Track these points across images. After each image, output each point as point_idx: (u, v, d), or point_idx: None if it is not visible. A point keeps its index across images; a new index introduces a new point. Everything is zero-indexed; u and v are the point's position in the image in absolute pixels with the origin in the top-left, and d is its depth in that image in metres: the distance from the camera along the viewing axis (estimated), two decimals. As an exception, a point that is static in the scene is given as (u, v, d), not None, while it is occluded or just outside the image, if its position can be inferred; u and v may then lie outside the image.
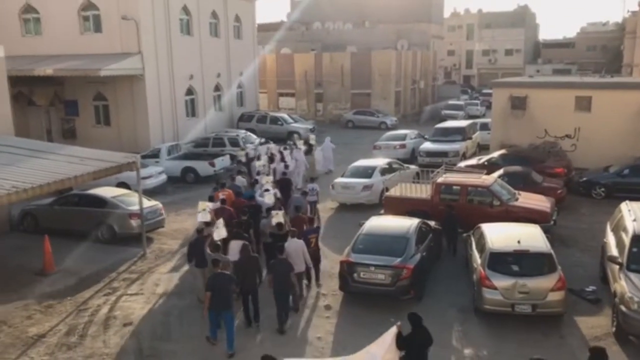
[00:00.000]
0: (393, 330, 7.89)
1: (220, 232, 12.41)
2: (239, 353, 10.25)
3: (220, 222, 12.80)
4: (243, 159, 22.69)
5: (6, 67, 18.35)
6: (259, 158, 21.80)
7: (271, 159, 21.66)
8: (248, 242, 12.22)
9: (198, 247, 12.22)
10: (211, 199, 15.55)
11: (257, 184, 17.70)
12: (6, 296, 12.83)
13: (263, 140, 28.33)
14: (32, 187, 12.38)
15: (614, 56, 62.99)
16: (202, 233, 12.59)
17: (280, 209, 14.29)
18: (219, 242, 12.15)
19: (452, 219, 14.92)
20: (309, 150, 24.13)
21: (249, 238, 13.06)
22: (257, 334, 11.10)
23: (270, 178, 17.47)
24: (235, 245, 12.01)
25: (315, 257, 13.04)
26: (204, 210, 13.60)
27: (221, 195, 15.66)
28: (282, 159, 21.44)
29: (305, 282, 12.93)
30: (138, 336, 11.16)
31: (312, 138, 26.36)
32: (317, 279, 13.30)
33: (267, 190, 16.00)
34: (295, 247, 11.83)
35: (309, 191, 17.31)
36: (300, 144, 24.30)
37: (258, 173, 19.28)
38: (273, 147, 23.73)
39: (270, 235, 13.48)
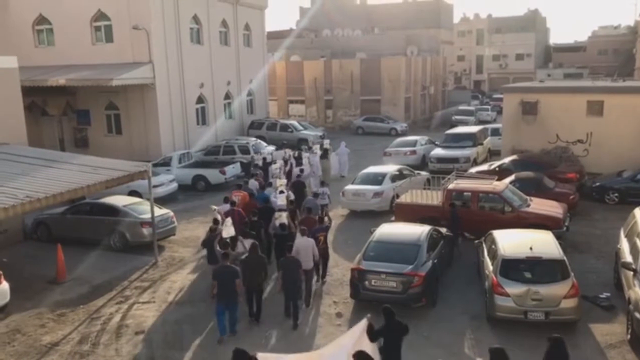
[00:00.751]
0: (363, 322, 8.21)
1: (228, 230, 13.00)
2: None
3: (229, 220, 13.35)
4: (260, 163, 23.17)
5: (20, 78, 18.59)
6: (275, 162, 22.25)
7: (287, 162, 22.33)
8: (256, 244, 12.32)
9: (209, 245, 13.30)
10: (226, 200, 15.99)
11: (272, 187, 18.13)
12: (20, 305, 12.93)
13: (280, 145, 28.60)
14: (45, 197, 12.52)
15: (626, 60, 62.57)
16: (215, 232, 13.36)
17: (294, 211, 15.13)
18: (228, 240, 12.70)
19: (456, 218, 14.97)
20: (325, 155, 24.44)
21: (259, 237, 13.71)
22: (266, 339, 11.10)
23: (284, 181, 17.88)
24: (245, 243, 12.58)
25: (324, 255, 13.56)
26: (214, 211, 14.81)
27: (234, 197, 16.25)
28: (299, 163, 22.29)
29: (315, 279, 13.28)
30: (150, 344, 11.20)
31: (327, 143, 26.63)
32: (324, 274, 13.82)
33: (281, 192, 16.53)
34: (304, 245, 12.22)
35: (319, 194, 17.79)
36: (316, 148, 24.65)
37: (273, 176, 19.88)
38: (289, 152, 24.29)
39: (274, 235, 14.25)
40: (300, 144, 30.98)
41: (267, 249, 14.53)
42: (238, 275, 11.01)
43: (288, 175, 20.69)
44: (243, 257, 12.01)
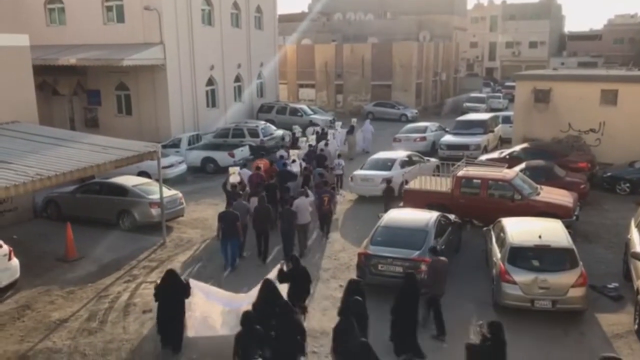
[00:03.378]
0: (276, 267, 10.45)
1: (235, 177, 17.13)
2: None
3: (236, 169, 17.90)
4: (289, 138, 26.70)
5: (31, 56, 18.60)
6: (303, 136, 26.15)
7: (319, 138, 25.45)
8: (263, 197, 14.89)
9: (232, 198, 15.71)
10: (244, 165, 19.94)
11: (287, 157, 20.99)
12: (30, 281, 13.08)
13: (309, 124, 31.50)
14: (55, 175, 12.55)
15: (642, 49, 61.56)
16: (236, 188, 16.42)
17: (307, 176, 17.72)
18: (239, 190, 16.27)
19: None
20: (351, 131, 27.17)
21: (274, 195, 16.27)
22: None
23: (297, 152, 21.30)
24: (254, 200, 15.03)
25: (327, 213, 15.64)
26: (234, 173, 17.50)
27: (259, 164, 19.43)
28: (323, 138, 25.05)
29: (323, 236, 15.72)
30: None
31: (354, 121, 29.25)
32: (328, 231, 15.83)
33: (293, 161, 19.95)
34: (301, 203, 14.54)
35: (335, 166, 20.30)
36: (339, 125, 28.48)
37: (299, 148, 22.96)
38: (318, 128, 28.14)
39: (282, 195, 16.77)
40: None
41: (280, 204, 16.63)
42: (238, 218, 13.61)
43: (315, 149, 23.16)
44: (253, 208, 14.56)
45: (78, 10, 27.92)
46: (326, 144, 23.46)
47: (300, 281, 10.34)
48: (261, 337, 8.31)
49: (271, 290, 9.56)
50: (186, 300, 9.84)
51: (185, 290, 9.80)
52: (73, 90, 28.95)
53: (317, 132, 26.95)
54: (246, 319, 8.33)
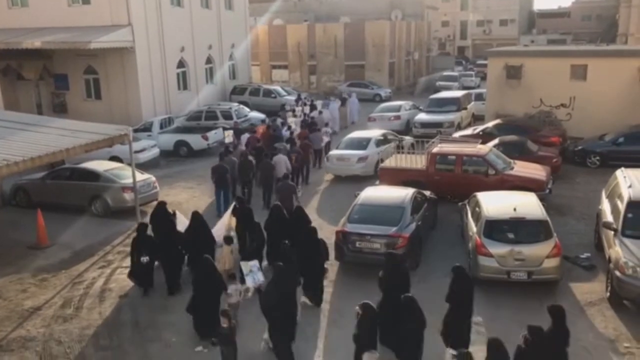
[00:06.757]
0: (232, 205, 13.15)
1: (229, 138, 20.95)
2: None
3: (230, 132, 21.94)
4: (288, 107, 29.49)
5: (-7, 40, 17.99)
6: (298, 106, 29.09)
7: (312, 107, 28.26)
8: (246, 152, 18.09)
9: (225, 154, 17.67)
10: (254, 131, 22.25)
11: (285, 123, 24.35)
12: (0, 270, 12.78)
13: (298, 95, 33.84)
14: (23, 160, 12.17)
15: (609, 26, 62.47)
16: (229, 147, 18.82)
17: (292, 139, 20.22)
18: (231, 149, 18.71)
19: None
20: (344, 103, 29.69)
21: (261, 155, 18.46)
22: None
23: (292, 119, 25.05)
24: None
25: (298, 168, 18.31)
26: (228, 135, 21.23)
27: (260, 130, 22.62)
28: (314, 108, 27.56)
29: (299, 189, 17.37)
30: (134, 308, 11.15)
31: (345, 92, 32.33)
32: (304, 181, 19.00)
33: (289, 127, 22.96)
34: (278, 159, 17.04)
35: (323, 134, 22.24)
36: (334, 99, 30.68)
37: (296, 116, 26.15)
38: (309, 100, 31.07)
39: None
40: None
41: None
42: (227, 171, 16.21)
43: (307, 117, 25.72)
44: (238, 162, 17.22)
45: (41, -9, 27.00)
46: (320, 112, 26.13)
47: (245, 218, 12.63)
48: (151, 245, 11.58)
49: (198, 219, 12.32)
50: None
51: (171, 218, 12.63)
52: (39, 74, 28.11)
53: (305, 104, 29.39)
54: (140, 228, 11.72)
